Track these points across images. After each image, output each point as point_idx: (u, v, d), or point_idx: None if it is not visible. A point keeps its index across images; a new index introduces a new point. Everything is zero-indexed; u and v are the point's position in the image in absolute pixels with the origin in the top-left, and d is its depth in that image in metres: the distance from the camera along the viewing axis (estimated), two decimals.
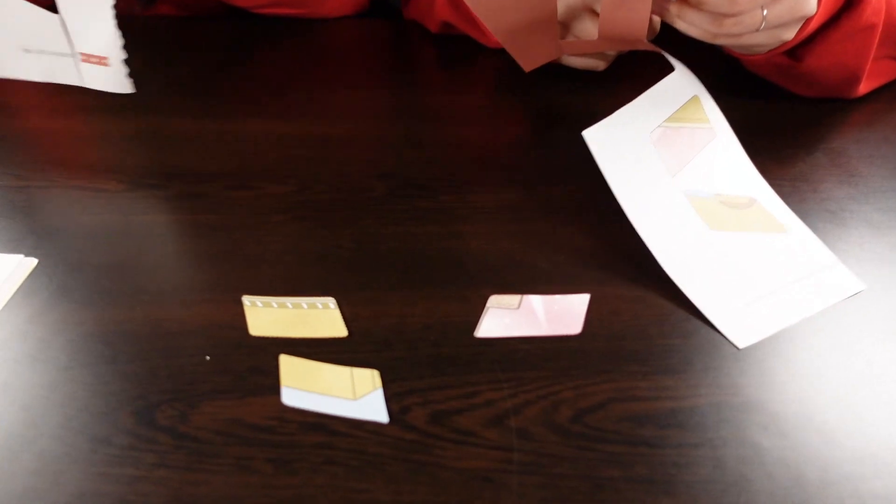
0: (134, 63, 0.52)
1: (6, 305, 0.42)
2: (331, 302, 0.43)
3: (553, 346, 0.40)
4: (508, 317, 0.42)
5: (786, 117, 0.61)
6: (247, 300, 0.43)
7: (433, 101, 0.64)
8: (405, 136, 0.59)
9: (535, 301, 0.43)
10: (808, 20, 0.52)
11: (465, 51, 0.71)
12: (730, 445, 0.36)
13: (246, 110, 0.61)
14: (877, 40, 0.57)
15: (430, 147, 0.57)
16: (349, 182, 0.53)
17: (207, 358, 0.39)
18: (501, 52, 0.63)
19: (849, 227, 0.49)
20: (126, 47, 0.51)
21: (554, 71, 0.64)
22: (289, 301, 0.43)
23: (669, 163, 0.47)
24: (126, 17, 0.51)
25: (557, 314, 0.42)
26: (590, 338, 0.41)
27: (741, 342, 0.40)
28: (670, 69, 0.49)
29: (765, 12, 0.48)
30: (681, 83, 0.51)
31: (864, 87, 0.62)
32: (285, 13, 0.75)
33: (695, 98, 0.50)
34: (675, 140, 0.48)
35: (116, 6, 0.60)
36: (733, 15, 0.47)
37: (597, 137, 0.45)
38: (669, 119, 0.48)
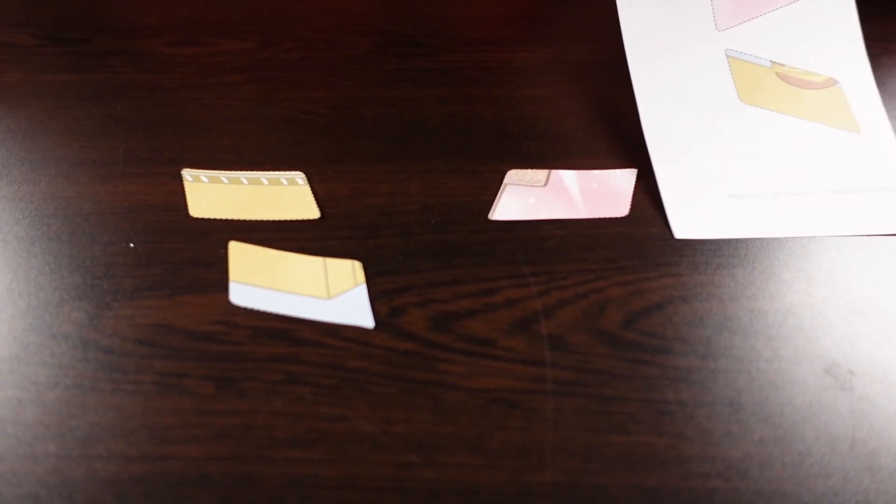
0: None
1: None
2: (299, 177, 0.33)
3: (595, 232, 0.30)
4: (533, 196, 0.32)
5: None
6: (188, 174, 0.32)
7: None
8: None
9: (568, 177, 0.33)
10: None
11: None
12: (843, 359, 0.26)
13: None
14: None
15: None
16: (325, 38, 0.42)
17: (132, 245, 0.29)
18: None
19: None
20: None
21: None
22: (244, 175, 0.33)
23: (723, 12, 0.35)
24: None
25: (597, 193, 0.32)
26: (643, 222, 0.31)
27: (680, 234, 0.31)
28: None
29: None
30: None
31: None
32: None
33: None
34: None
35: None
36: None
37: None
38: None
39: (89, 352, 0.25)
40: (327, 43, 0.41)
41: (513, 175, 0.33)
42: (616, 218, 0.31)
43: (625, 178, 0.33)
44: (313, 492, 0.22)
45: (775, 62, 0.36)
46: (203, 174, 0.32)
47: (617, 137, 0.35)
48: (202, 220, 0.30)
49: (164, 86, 0.38)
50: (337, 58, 0.40)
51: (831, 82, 0.35)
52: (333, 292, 0.28)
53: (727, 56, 0.36)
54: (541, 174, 0.33)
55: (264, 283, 0.28)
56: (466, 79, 0.39)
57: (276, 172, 0.33)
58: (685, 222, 0.31)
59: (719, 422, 0.24)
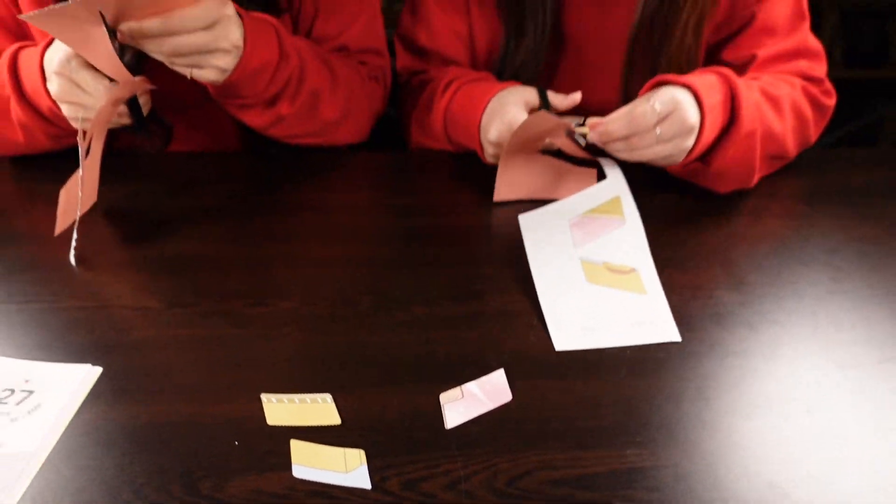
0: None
1: (82, 404, 0.55)
2: (327, 397, 0.56)
3: (495, 428, 0.54)
4: (462, 405, 0.55)
5: (695, 239, 0.77)
6: (264, 397, 0.56)
7: (416, 222, 0.79)
8: (389, 257, 0.73)
9: (472, 386, 0.57)
10: (701, 134, 0.72)
11: (449, 181, 0.87)
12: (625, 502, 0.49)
13: (259, 234, 0.76)
14: (759, 141, 0.75)
15: (408, 266, 0.71)
16: (342, 297, 0.67)
17: (236, 443, 0.52)
18: (487, 180, 0.80)
19: (729, 326, 0.64)
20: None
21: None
22: (296, 397, 0.56)
23: (577, 238, 0.68)
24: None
25: (490, 391, 0.56)
26: (523, 421, 0.54)
27: (559, 345, 0.60)
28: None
29: (658, 131, 0.69)
30: (607, 187, 0.73)
31: (754, 179, 0.82)
32: (307, 143, 0.90)
33: (617, 197, 0.71)
34: (589, 224, 0.70)
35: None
36: (635, 134, 0.70)
37: (529, 220, 0.69)
38: (591, 210, 0.70)
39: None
40: (344, 301, 0.66)
41: (443, 397, 0.56)
42: (510, 417, 0.54)
43: (500, 377, 0.57)
44: None
45: (605, 262, 0.68)
46: (272, 397, 0.56)
47: (520, 363, 0.59)
48: (275, 426, 0.53)
49: (245, 336, 0.62)
50: (349, 312, 0.65)
51: (633, 270, 0.68)
52: (349, 468, 0.50)
53: (581, 259, 0.67)
54: (456, 391, 0.56)
55: (312, 464, 0.51)
56: (429, 326, 0.64)
57: (314, 394, 0.56)
58: (562, 340, 0.60)
59: None
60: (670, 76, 0.74)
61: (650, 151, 0.72)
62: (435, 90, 0.89)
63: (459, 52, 0.94)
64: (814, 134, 0.87)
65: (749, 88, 0.77)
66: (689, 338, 0.62)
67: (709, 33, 0.86)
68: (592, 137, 0.74)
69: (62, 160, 0.73)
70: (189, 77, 0.72)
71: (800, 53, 0.84)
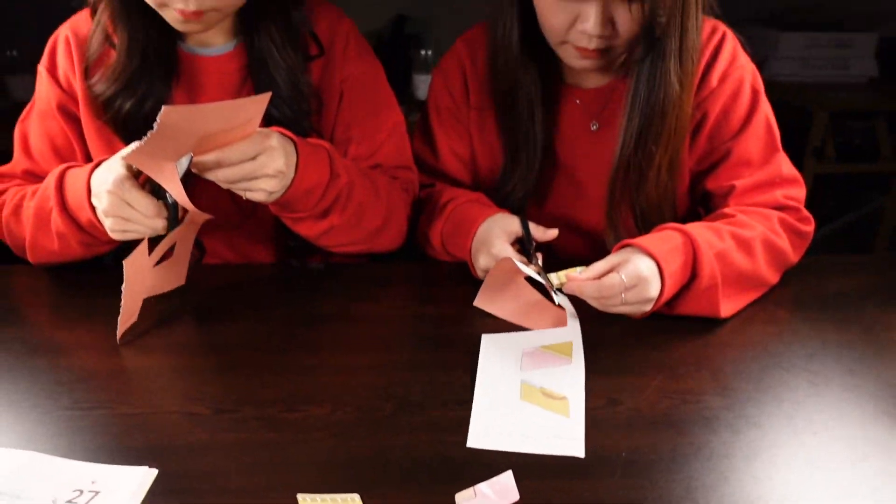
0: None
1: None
2: (357, 497, 0.63)
3: None
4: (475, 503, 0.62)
5: (686, 347, 0.85)
6: (300, 497, 0.63)
7: (430, 331, 0.88)
8: (406, 364, 0.82)
9: (484, 486, 0.64)
10: (661, 296, 0.83)
11: (458, 292, 0.96)
12: None
13: (290, 343, 0.85)
14: (720, 291, 0.84)
15: (423, 372, 0.80)
16: (367, 403, 0.75)
17: None
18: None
19: (715, 429, 0.71)
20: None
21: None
22: (328, 497, 0.63)
23: (525, 364, 0.79)
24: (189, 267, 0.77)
25: (500, 491, 0.63)
26: None
27: (472, 443, 0.69)
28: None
29: (623, 296, 0.79)
30: (565, 332, 0.85)
31: (726, 313, 0.88)
32: (353, 251, 1.01)
33: (570, 342, 0.82)
34: (539, 356, 0.81)
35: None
36: (603, 297, 0.82)
37: (489, 341, 0.82)
38: (544, 346, 0.81)
39: None
40: (369, 406, 0.74)
41: (459, 497, 0.63)
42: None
43: (508, 477, 0.64)
44: None
45: (542, 387, 0.76)
46: (308, 497, 0.63)
47: (525, 462, 0.66)
48: None
49: (282, 441, 0.70)
50: (374, 417, 0.73)
51: (564, 398, 0.75)
52: None
53: (521, 381, 0.77)
54: (469, 491, 0.63)
55: None
56: (446, 429, 0.71)
57: (344, 494, 0.64)
58: (476, 439, 0.69)
59: None
60: (638, 241, 0.85)
61: (615, 309, 0.86)
62: (434, 208, 1.01)
63: (462, 172, 1.07)
64: (795, 257, 0.97)
65: (719, 237, 0.87)
66: (679, 441, 0.70)
67: (693, 163, 0.97)
68: (566, 289, 0.86)
69: (118, 278, 0.83)
70: (245, 198, 0.84)
71: (775, 183, 0.94)
